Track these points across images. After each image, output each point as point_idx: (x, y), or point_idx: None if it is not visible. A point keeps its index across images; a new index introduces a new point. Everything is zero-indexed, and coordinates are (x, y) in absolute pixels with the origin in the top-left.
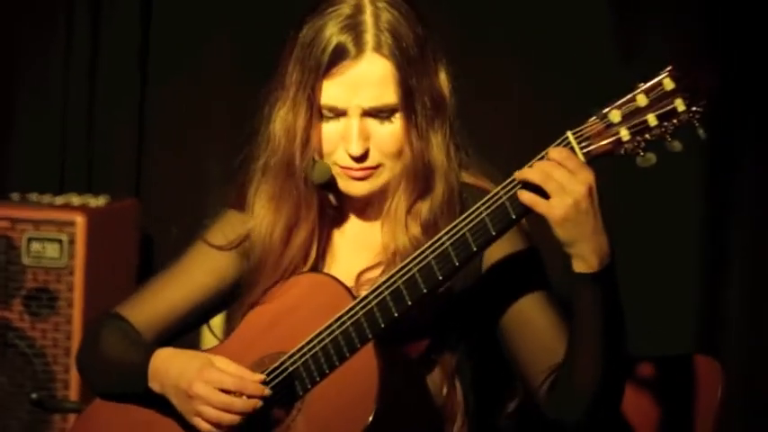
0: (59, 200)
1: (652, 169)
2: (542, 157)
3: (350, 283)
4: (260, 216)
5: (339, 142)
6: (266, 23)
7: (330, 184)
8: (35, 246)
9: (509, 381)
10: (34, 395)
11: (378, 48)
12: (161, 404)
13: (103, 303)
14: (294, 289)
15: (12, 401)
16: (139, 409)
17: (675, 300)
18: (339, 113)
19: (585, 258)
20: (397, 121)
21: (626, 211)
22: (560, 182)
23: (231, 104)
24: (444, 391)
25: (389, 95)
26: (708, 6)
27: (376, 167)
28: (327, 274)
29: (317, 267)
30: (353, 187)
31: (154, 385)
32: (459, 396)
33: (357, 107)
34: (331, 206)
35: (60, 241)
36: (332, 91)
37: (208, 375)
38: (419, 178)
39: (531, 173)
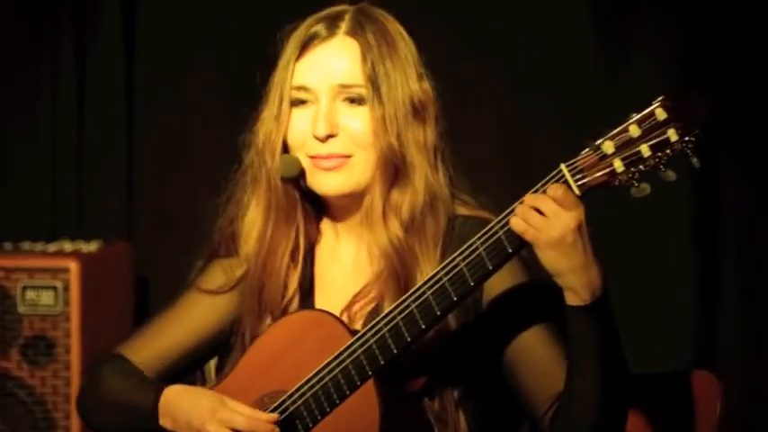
0: (52, 247)
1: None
2: (537, 190)
3: (343, 305)
4: (250, 224)
5: (308, 132)
6: (253, 57)
7: (299, 179)
8: (30, 294)
9: (516, 411)
10: None
11: (351, 32)
12: None
13: (101, 348)
14: (291, 327)
15: None
16: None
17: (671, 316)
18: (308, 99)
19: (576, 291)
20: (368, 111)
21: (618, 229)
22: (548, 215)
23: (221, 141)
24: (449, 423)
25: (358, 76)
26: (693, 18)
27: (345, 157)
28: (323, 311)
29: (310, 285)
30: (323, 181)
31: (165, 421)
32: (463, 428)
33: (325, 84)
34: (314, 216)
35: (55, 288)
36: (302, 70)
37: (221, 415)
38: (389, 169)
39: (520, 209)
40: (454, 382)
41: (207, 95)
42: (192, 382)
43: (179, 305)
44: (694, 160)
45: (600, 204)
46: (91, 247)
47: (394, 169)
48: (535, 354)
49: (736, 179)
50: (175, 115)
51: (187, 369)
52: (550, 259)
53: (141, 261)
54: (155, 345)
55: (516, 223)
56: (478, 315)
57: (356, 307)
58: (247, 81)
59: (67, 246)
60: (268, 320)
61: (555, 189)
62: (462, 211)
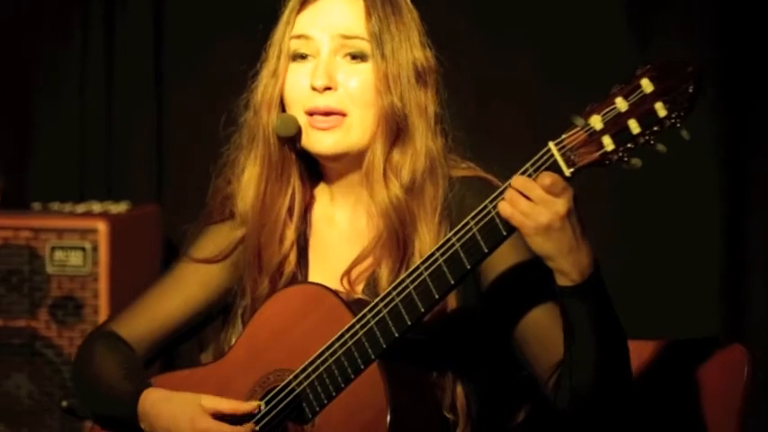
0: (81, 208)
1: (668, 159)
2: (526, 171)
3: (342, 271)
4: (246, 181)
5: (306, 86)
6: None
7: (295, 139)
8: (58, 254)
9: (520, 389)
10: (65, 402)
11: None
12: None
13: (104, 325)
14: (290, 302)
15: (42, 410)
16: None
17: (699, 286)
18: (308, 53)
19: (566, 273)
20: (369, 69)
21: (648, 201)
22: (536, 201)
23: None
24: (448, 397)
25: (361, 29)
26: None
27: (341, 114)
28: (322, 285)
29: (305, 247)
30: (318, 140)
31: (144, 425)
32: (461, 400)
33: (327, 34)
34: (309, 181)
35: (83, 249)
36: (303, 20)
37: (200, 425)
38: (391, 128)
39: (509, 193)
40: (453, 355)
41: (237, 58)
42: (188, 352)
43: (171, 276)
44: (684, 132)
45: (626, 174)
46: (119, 208)
47: (396, 129)
48: (542, 325)
49: (764, 149)
50: (204, 78)
51: (179, 340)
52: (538, 244)
53: (169, 224)
54: (146, 320)
55: (503, 208)
56: (479, 289)
57: (354, 272)
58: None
59: (96, 207)
60: (266, 281)
61: (543, 177)
62: (458, 172)
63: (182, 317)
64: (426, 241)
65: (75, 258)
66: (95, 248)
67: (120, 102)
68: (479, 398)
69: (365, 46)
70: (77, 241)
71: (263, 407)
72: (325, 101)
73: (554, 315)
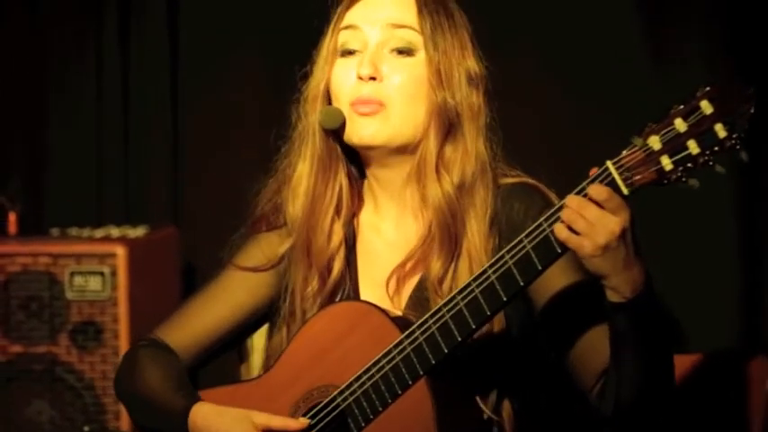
0: (99, 233)
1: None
2: (582, 190)
3: (387, 277)
4: (297, 179)
5: (352, 78)
6: (297, 41)
7: (340, 131)
8: (78, 280)
9: (563, 405)
10: (86, 428)
11: None
12: None
13: (149, 333)
14: (337, 318)
15: None
16: None
17: (719, 297)
18: (356, 48)
19: (618, 290)
20: (419, 63)
21: (665, 212)
22: (593, 222)
23: (265, 123)
24: (495, 413)
25: (411, 20)
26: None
27: (382, 105)
28: (368, 302)
29: (354, 253)
30: (360, 127)
31: None
32: (510, 420)
33: (376, 24)
34: (356, 185)
35: (102, 274)
36: (352, 13)
37: None
38: (443, 123)
39: (566, 213)
40: (502, 372)
41: (252, 78)
42: (230, 362)
43: (216, 284)
44: (743, 154)
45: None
46: (138, 232)
47: (448, 125)
48: (591, 338)
49: None
50: (221, 99)
51: (224, 348)
52: (594, 264)
53: (188, 246)
54: (192, 327)
55: (559, 231)
56: (529, 305)
57: (402, 273)
58: (293, 62)
59: (114, 231)
60: (315, 280)
61: (599, 192)
62: (506, 180)
63: (227, 324)
64: (475, 243)
65: (94, 283)
66: (114, 273)
67: (135, 126)
68: (526, 416)
69: (415, 37)
70: (96, 266)
71: (311, 423)
72: (368, 89)
73: (603, 328)
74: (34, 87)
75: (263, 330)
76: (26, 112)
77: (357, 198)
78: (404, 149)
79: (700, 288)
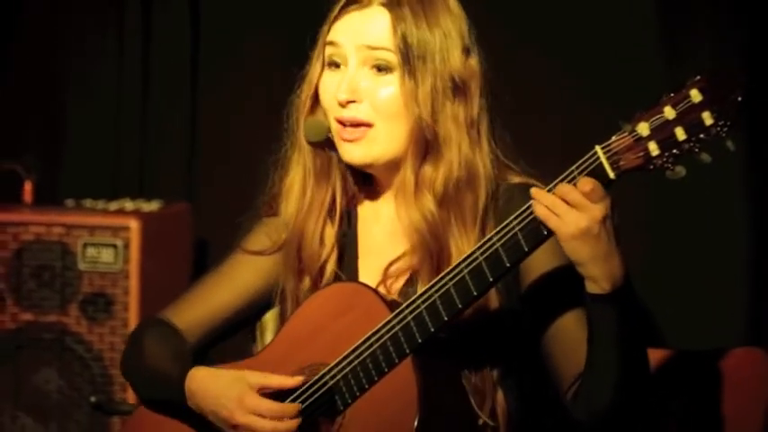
0: (113, 205)
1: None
2: (569, 175)
3: (383, 267)
4: (289, 184)
5: (335, 97)
6: (316, 20)
7: (326, 143)
8: (90, 251)
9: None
10: (93, 398)
11: (387, 4)
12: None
13: (159, 306)
14: (330, 299)
15: (71, 405)
16: (179, 424)
17: (722, 293)
18: (340, 61)
19: (597, 281)
20: (396, 81)
21: (671, 208)
22: (576, 204)
23: (281, 103)
24: (487, 398)
25: (387, 41)
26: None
27: (366, 125)
28: (361, 283)
29: (354, 244)
30: (346, 151)
31: (191, 405)
32: (502, 406)
33: (353, 44)
34: (355, 176)
35: (115, 246)
36: (335, 28)
37: (248, 402)
38: (420, 143)
39: (546, 196)
40: (493, 357)
41: (272, 58)
42: (243, 343)
43: (225, 266)
44: (729, 143)
45: (653, 181)
46: (151, 206)
47: (425, 144)
48: (569, 333)
49: None
50: (238, 76)
51: (232, 330)
52: (573, 249)
53: (200, 222)
54: (200, 308)
55: (539, 209)
56: (519, 292)
57: (394, 269)
58: (310, 47)
59: (128, 205)
60: (307, 280)
61: (584, 183)
62: (514, 179)
63: (234, 307)
64: (464, 249)
65: (106, 255)
66: (127, 246)
67: (154, 101)
68: (520, 403)
69: (391, 57)
70: (109, 238)
71: (301, 408)
72: (349, 113)
73: (582, 326)
74: (56, 59)
75: (276, 311)
76: (46, 83)
77: (357, 188)
78: (395, 164)
79: (703, 285)
